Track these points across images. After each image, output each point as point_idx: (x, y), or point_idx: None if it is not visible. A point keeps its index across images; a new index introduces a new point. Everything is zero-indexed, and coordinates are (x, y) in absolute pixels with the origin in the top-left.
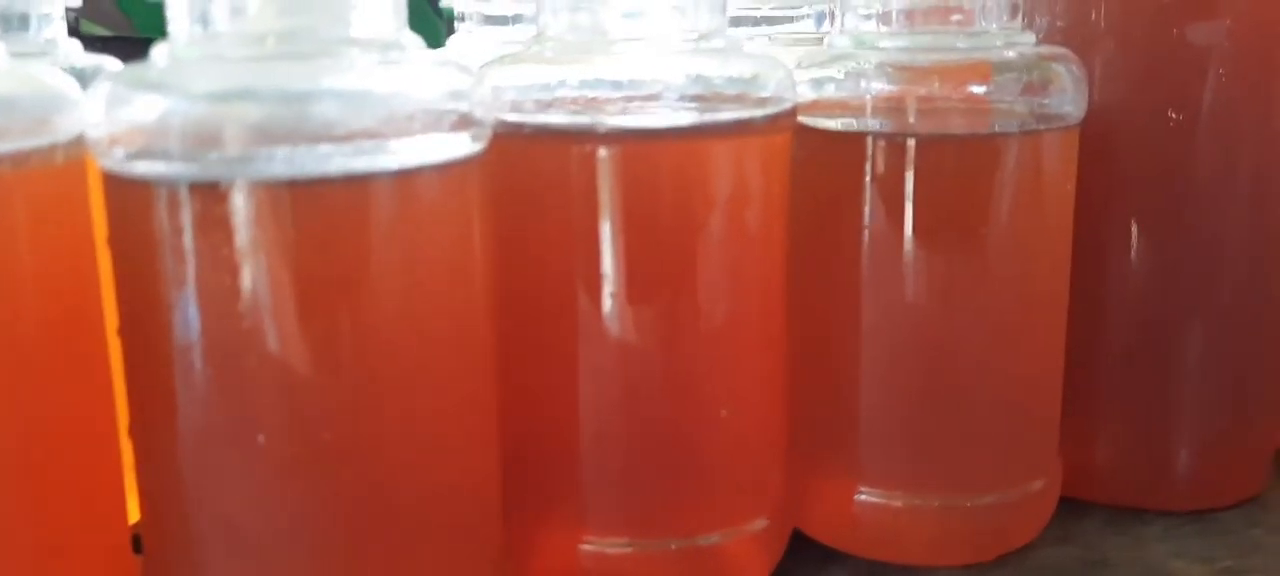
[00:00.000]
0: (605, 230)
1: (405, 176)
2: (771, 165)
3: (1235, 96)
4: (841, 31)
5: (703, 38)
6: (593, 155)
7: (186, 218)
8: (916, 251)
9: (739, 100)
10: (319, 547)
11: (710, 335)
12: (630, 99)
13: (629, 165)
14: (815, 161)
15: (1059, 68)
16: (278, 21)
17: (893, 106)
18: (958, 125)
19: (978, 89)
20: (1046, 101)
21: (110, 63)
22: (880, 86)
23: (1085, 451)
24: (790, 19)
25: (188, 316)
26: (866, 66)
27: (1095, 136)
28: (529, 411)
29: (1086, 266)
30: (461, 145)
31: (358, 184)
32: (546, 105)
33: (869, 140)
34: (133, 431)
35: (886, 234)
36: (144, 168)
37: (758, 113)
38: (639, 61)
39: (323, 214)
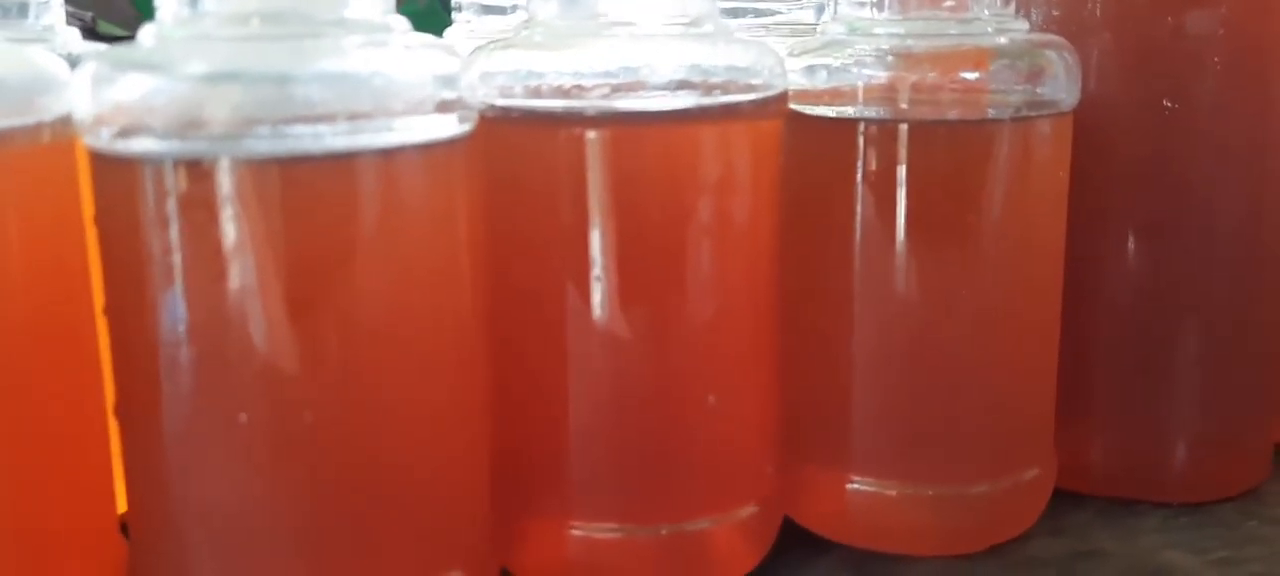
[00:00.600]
0: (593, 215)
1: (389, 156)
2: (761, 151)
3: (1231, 87)
4: (835, 18)
5: (692, 23)
6: (580, 140)
7: (171, 195)
8: (908, 238)
9: (728, 86)
10: (302, 528)
11: (698, 321)
12: (619, 84)
13: (616, 150)
14: (807, 149)
15: (1051, 54)
16: (264, 3)
17: (884, 93)
18: (950, 112)
19: (970, 75)
20: (1039, 88)
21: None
22: (872, 73)
23: (1080, 444)
24: (783, 10)
25: (171, 295)
26: (858, 53)
27: (1091, 127)
28: (519, 396)
29: (1083, 258)
30: (447, 127)
31: (342, 163)
32: (535, 90)
33: (861, 127)
34: (118, 411)
35: (878, 221)
36: (129, 146)
37: (746, 98)
38: (628, 46)
39: (307, 192)
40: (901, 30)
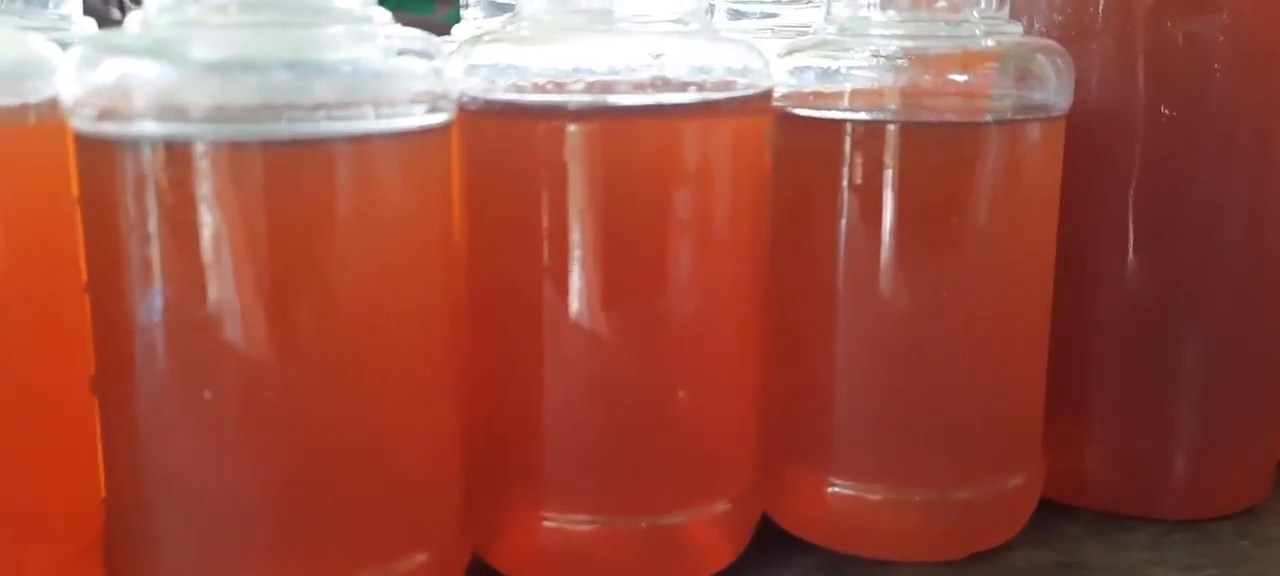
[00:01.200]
0: (572, 209)
1: (365, 143)
2: (743, 149)
3: (1234, 93)
4: (828, 19)
5: (677, 20)
6: (561, 133)
7: (149, 177)
8: (895, 240)
9: (710, 83)
10: (267, 504)
11: (675, 316)
12: (601, 79)
13: (597, 144)
14: (795, 149)
15: (1042, 58)
16: None
17: (873, 94)
18: (939, 114)
19: (960, 77)
20: (1029, 92)
21: None
22: (861, 74)
23: (1073, 455)
24: (777, 13)
25: (147, 274)
26: (848, 53)
27: (1092, 132)
28: (496, 386)
29: (1080, 266)
30: (425, 116)
31: (318, 148)
32: (519, 83)
33: (848, 127)
34: (95, 386)
35: (865, 222)
36: (110, 128)
37: (728, 95)
38: (611, 42)
39: (283, 177)
40: (892, 32)
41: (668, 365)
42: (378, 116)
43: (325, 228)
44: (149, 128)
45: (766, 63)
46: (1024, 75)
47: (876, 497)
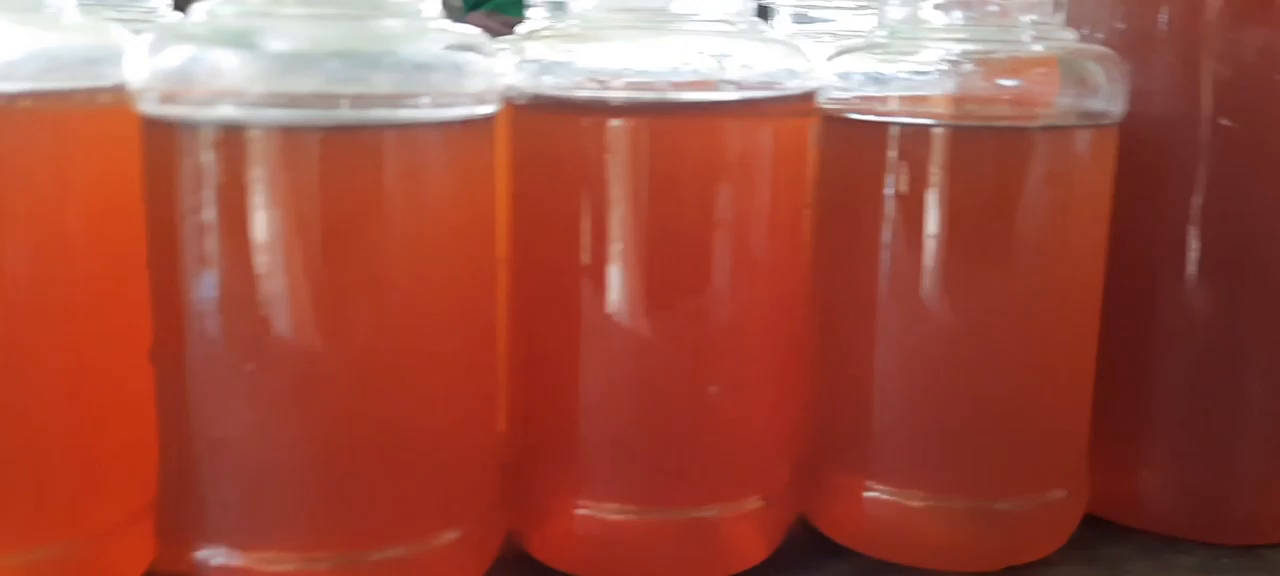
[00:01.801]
0: (614, 204)
1: (415, 132)
2: (785, 149)
3: None
4: (881, 23)
5: (723, 21)
6: (604, 128)
7: (207, 160)
8: (940, 246)
9: (755, 82)
10: (307, 479)
11: (713, 312)
12: (646, 77)
13: (639, 140)
14: (843, 152)
15: (1094, 65)
16: None
17: (922, 99)
18: (988, 119)
19: (1010, 82)
20: (1081, 99)
21: None
22: (910, 78)
23: (1125, 474)
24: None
25: (200, 253)
26: (898, 58)
27: (1153, 144)
28: (536, 375)
29: (1139, 281)
30: (471, 107)
31: (371, 135)
32: (566, 79)
33: (896, 131)
34: (153, 357)
35: (910, 227)
36: (172, 111)
37: (771, 95)
38: (657, 40)
39: (334, 162)
40: (944, 37)
41: (705, 361)
42: (428, 107)
43: (373, 212)
44: (209, 112)
45: (811, 64)
46: (1076, 82)
47: (914, 504)
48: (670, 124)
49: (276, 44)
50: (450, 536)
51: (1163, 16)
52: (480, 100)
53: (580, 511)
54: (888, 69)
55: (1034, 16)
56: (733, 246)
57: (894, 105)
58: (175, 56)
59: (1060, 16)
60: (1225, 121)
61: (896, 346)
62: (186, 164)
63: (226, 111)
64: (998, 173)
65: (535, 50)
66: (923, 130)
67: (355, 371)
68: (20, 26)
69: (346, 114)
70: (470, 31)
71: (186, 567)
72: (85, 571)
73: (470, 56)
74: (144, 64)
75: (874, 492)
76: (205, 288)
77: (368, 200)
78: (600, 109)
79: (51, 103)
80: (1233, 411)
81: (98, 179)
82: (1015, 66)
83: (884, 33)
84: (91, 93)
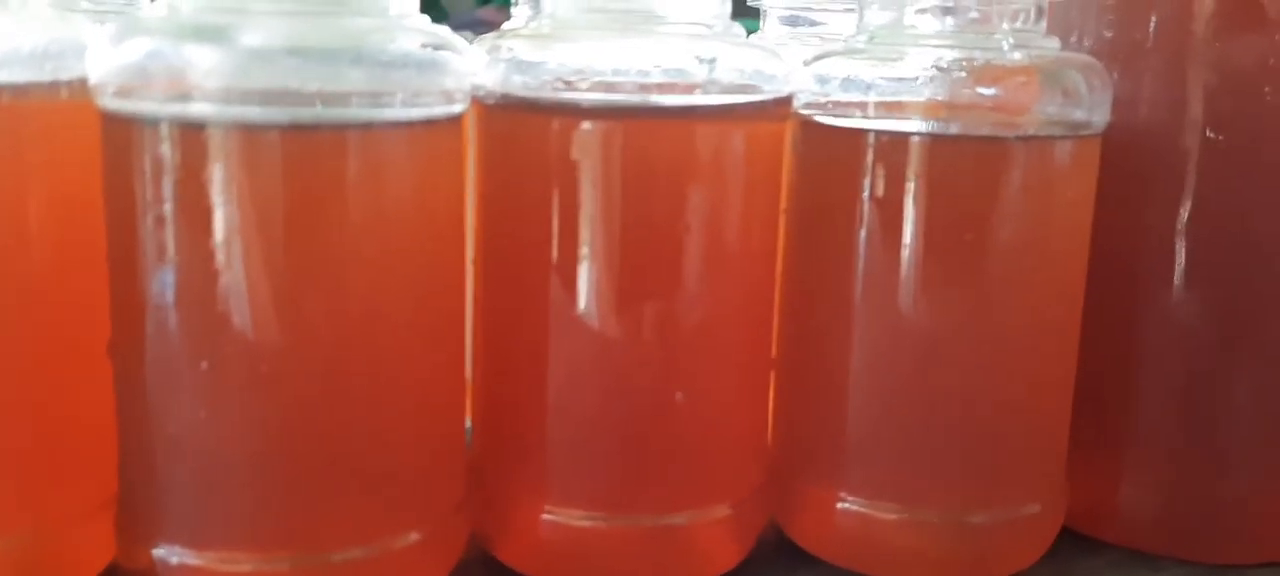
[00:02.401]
0: (582, 206)
1: (379, 130)
2: (758, 154)
3: None
4: (859, 28)
5: (699, 22)
6: (574, 130)
7: (165, 155)
8: (916, 255)
9: (731, 86)
10: (265, 477)
11: (681, 318)
12: (619, 77)
13: (609, 142)
14: (820, 158)
15: (1076, 74)
16: None
17: (899, 104)
18: (967, 127)
19: (989, 90)
20: (1062, 108)
21: None
22: (889, 83)
23: (1104, 488)
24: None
25: (157, 246)
26: (875, 63)
27: (1138, 154)
28: (503, 379)
29: (1121, 293)
30: (440, 106)
31: (334, 133)
32: (537, 80)
33: (873, 138)
34: (111, 353)
35: (885, 234)
36: (131, 106)
37: (744, 99)
38: (630, 42)
39: (294, 160)
40: (923, 43)
41: (674, 366)
42: (396, 105)
43: (337, 211)
44: (170, 107)
45: (788, 68)
46: (1057, 91)
47: (887, 516)
48: (641, 127)
49: (242, 39)
50: (412, 538)
51: (1151, 25)
52: (449, 99)
53: (547, 516)
54: (866, 74)
55: (1016, 24)
56: (703, 252)
57: (872, 111)
58: (136, 50)
59: (1042, 25)
60: (1213, 134)
61: (871, 355)
62: (147, 159)
63: (188, 107)
64: (976, 181)
65: (507, 49)
66: (901, 137)
67: (315, 372)
68: None
69: (312, 111)
70: (441, 30)
71: (144, 565)
72: (44, 562)
73: (441, 55)
74: (105, 57)
75: (847, 504)
76: (164, 284)
77: (331, 199)
78: (571, 111)
79: (11, 96)
80: (1215, 428)
81: (59, 173)
82: (996, 74)
83: (863, 38)
84: (52, 86)
